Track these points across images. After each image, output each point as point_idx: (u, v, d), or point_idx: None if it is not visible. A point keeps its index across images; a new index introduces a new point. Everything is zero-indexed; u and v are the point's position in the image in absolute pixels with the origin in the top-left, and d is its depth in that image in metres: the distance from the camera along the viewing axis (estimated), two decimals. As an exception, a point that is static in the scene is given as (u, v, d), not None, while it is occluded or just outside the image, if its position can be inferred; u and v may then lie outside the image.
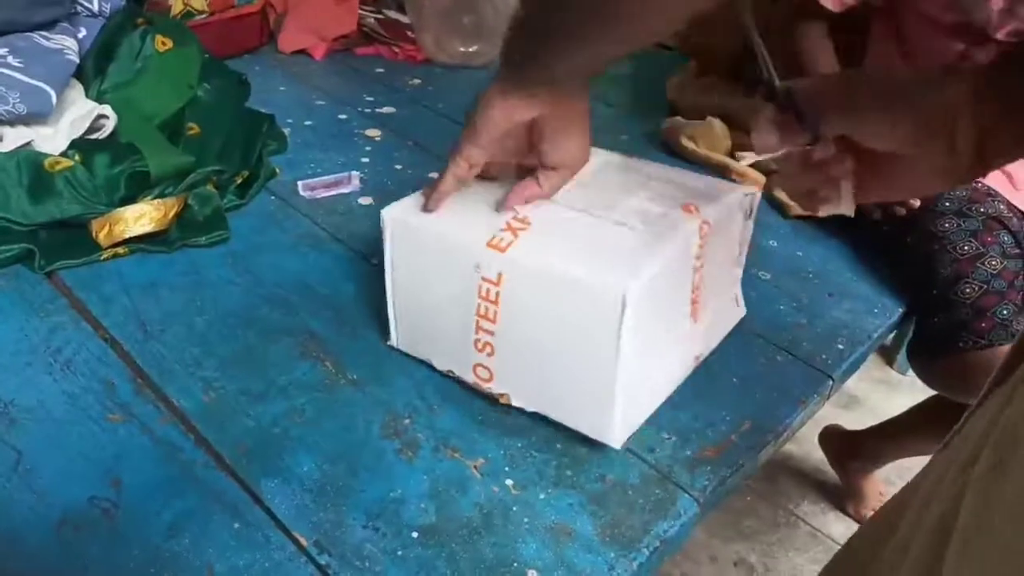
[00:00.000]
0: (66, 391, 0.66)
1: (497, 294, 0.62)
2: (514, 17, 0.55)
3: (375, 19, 1.44)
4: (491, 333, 0.64)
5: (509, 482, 0.62)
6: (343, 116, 1.16)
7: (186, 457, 0.61)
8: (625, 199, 0.66)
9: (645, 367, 0.62)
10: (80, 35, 0.97)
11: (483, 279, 0.62)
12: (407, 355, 0.72)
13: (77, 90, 0.93)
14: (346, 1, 1.42)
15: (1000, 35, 0.95)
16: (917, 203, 0.93)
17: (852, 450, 1.48)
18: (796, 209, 1.02)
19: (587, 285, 0.58)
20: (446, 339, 0.68)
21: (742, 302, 0.78)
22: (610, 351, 0.58)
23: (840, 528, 1.52)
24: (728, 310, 0.76)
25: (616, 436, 0.62)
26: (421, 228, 0.65)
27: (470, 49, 1.36)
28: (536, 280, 0.60)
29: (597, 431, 0.63)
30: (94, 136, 0.90)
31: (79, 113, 0.89)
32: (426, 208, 0.65)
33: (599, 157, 0.71)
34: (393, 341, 0.72)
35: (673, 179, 0.70)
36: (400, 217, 0.66)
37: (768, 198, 1.06)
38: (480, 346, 0.65)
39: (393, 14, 1.46)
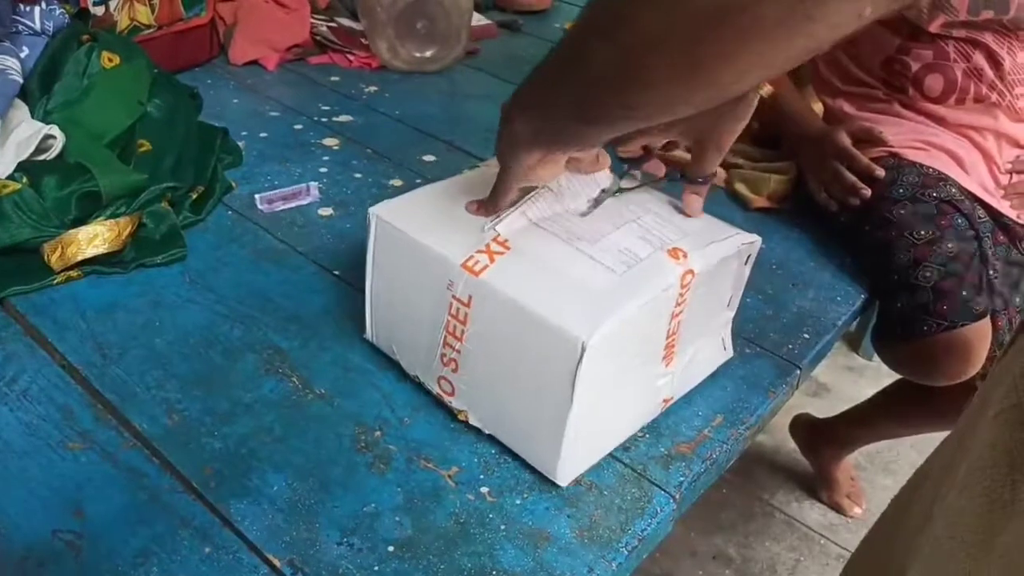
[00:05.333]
0: (23, 421, 0.64)
1: (466, 315, 0.61)
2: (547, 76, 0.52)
3: (327, 27, 1.42)
4: (457, 351, 0.63)
5: (484, 489, 0.62)
6: (299, 126, 1.15)
7: (151, 483, 0.60)
8: (613, 233, 0.63)
9: (602, 411, 0.61)
10: (23, 54, 0.94)
11: (454, 298, 0.61)
12: (375, 367, 0.72)
13: (22, 111, 0.91)
14: (297, 10, 1.40)
15: (933, 28, 0.97)
16: (868, 192, 0.94)
17: (822, 437, 1.50)
18: (757, 202, 1.03)
19: (549, 327, 0.57)
20: (415, 345, 0.67)
21: (730, 345, 0.76)
22: (564, 396, 0.57)
23: (814, 515, 1.53)
24: (712, 353, 0.74)
25: (562, 476, 0.62)
26: (403, 232, 0.65)
27: (425, 54, 1.35)
28: (503, 311, 0.59)
29: (545, 468, 0.62)
30: (42, 157, 0.87)
31: (25, 134, 0.86)
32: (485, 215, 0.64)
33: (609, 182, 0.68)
34: (368, 335, 0.73)
35: (670, 216, 0.67)
36: (386, 217, 0.66)
37: (728, 192, 1.07)
38: (446, 360, 0.64)
39: (346, 22, 1.44)
